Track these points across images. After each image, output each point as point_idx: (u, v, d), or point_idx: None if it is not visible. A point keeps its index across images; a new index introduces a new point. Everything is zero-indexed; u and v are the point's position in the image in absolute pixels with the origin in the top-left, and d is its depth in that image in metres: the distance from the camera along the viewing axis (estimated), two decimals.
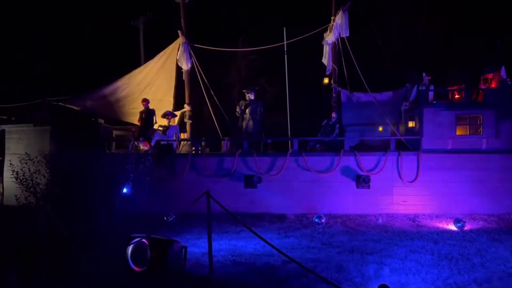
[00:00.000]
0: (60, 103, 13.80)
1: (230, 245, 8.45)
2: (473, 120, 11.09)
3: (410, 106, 12.56)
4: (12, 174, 8.48)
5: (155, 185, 10.68)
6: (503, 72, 11.71)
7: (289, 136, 13.78)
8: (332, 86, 13.45)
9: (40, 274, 5.89)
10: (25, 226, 5.74)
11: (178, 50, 14.10)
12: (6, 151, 12.82)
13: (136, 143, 12.42)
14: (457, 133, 11.08)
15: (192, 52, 14.20)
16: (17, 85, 20.26)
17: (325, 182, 11.18)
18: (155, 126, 13.01)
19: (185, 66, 14.16)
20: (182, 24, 14.08)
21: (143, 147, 12.35)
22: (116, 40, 22.23)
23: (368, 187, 10.99)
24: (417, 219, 10.47)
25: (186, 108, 14.34)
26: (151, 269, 6.53)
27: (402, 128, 12.84)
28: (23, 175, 8.38)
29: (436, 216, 10.57)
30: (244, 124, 12.96)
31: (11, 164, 9.07)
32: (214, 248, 6.03)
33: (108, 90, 13.90)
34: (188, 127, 14.35)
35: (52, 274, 6.03)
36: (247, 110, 12.89)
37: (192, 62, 14.23)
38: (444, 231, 9.36)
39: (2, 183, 12.90)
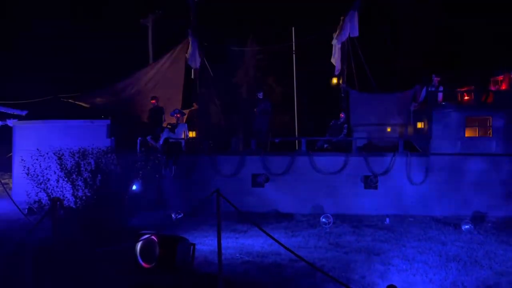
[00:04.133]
0: (69, 100, 13.94)
1: (237, 243, 8.49)
2: (483, 122, 11.03)
3: (419, 107, 12.52)
4: (23, 170, 8.58)
5: (163, 183, 10.75)
6: None
7: (297, 136, 13.80)
8: (341, 86, 13.45)
9: (54, 269, 5.96)
10: (36, 221, 5.82)
11: (187, 49, 14.16)
12: (16, 147, 12.97)
13: (145, 140, 12.48)
14: (466, 135, 11.03)
15: (201, 51, 14.26)
16: (27, 82, 20.45)
17: (332, 182, 11.18)
18: (164, 124, 13.08)
19: (194, 65, 14.22)
20: (192, 23, 14.14)
21: (151, 144, 12.43)
22: (126, 38, 22.33)
23: (376, 187, 10.99)
24: (424, 220, 10.43)
25: (195, 106, 14.40)
26: (159, 265, 6.58)
27: (410, 129, 12.81)
28: (34, 171, 8.48)
29: (444, 218, 10.53)
30: (252, 123, 13.00)
31: (22, 160, 9.17)
32: (221, 246, 6.06)
33: (117, 87, 14.02)
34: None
35: (65, 269, 6.10)
36: (255, 109, 12.91)
37: (202, 60, 14.29)
38: (452, 233, 9.31)
39: (12, 178, 13.06)
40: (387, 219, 10.38)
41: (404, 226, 10.04)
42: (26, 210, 9.94)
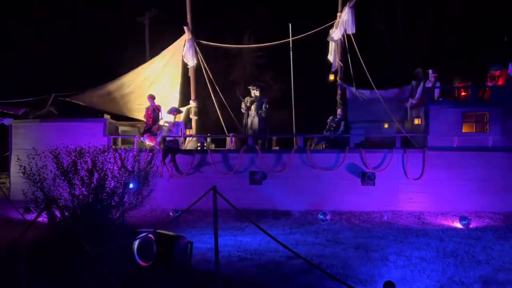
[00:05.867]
0: (66, 99, 13.89)
1: (235, 241, 8.48)
2: (480, 117, 11.03)
3: (416, 103, 12.51)
4: (20, 169, 8.54)
5: (160, 181, 10.73)
6: (510, 70, 11.63)
7: (294, 133, 13.78)
8: (338, 83, 13.43)
9: (49, 268, 5.95)
10: (33, 221, 5.78)
11: (183, 47, 14.11)
12: (13, 146, 12.92)
13: (141, 139, 12.47)
14: (463, 131, 11.02)
15: (197, 49, 14.21)
16: (23, 81, 20.37)
17: (330, 179, 11.17)
18: (161, 122, 13.05)
19: (191, 63, 14.18)
20: (188, 20, 14.08)
21: (148, 143, 12.41)
22: (122, 36, 22.28)
23: (373, 184, 10.98)
24: (422, 216, 10.45)
25: (192, 104, 14.37)
26: (157, 264, 6.57)
27: (407, 125, 12.81)
28: (31, 170, 8.44)
29: (442, 214, 10.55)
30: (249, 120, 12.98)
31: (18, 159, 9.13)
32: (219, 244, 6.04)
33: (114, 86, 13.97)
34: (193, 123, 14.39)
35: (60, 268, 6.10)
36: (252, 107, 12.89)
37: (198, 58, 14.24)
38: (449, 229, 9.34)
39: (9, 177, 13.02)
40: (385, 215, 10.39)
41: (402, 222, 10.06)
42: (23, 209, 9.91)
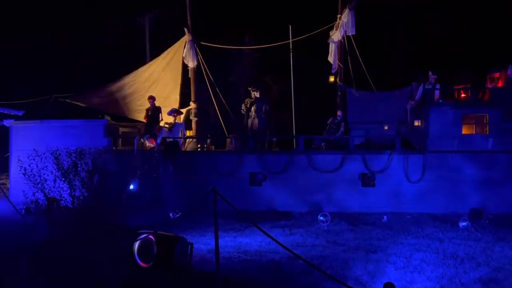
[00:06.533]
0: (66, 100, 13.91)
1: (235, 242, 8.48)
2: (480, 119, 11.05)
3: (416, 104, 12.53)
4: (20, 170, 8.56)
5: (161, 182, 10.74)
6: (510, 71, 11.66)
7: (294, 134, 13.79)
8: (338, 84, 13.45)
9: (49, 268, 5.96)
10: (33, 221, 5.82)
11: (184, 48, 14.14)
12: (14, 147, 12.93)
13: (142, 140, 12.48)
14: (463, 132, 11.05)
15: (198, 50, 14.23)
16: (24, 82, 20.40)
17: (330, 180, 11.19)
18: (161, 124, 13.06)
19: (191, 64, 14.21)
20: (189, 22, 14.12)
21: (149, 144, 12.41)
22: (122, 37, 22.28)
23: (373, 185, 11.00)
24: (422, 217, 10.45)
25: (192, 105, 14.38)
26: (157, 265, 6.58)
27: (407, 127, 12.82)
28: (31, 171, 8.46)
29: (442, 215, 10.55)
30: (249, 122, 12.98)
31: (19, 160, 9.16)
32: (219, 245, 6.05)
33: (114, 87, 13.99)
34: (193, 125, 14.40)
35: (61, 268, 6.11)
36: (252, 108, 12.90)
37: (198, 59, 14.27)
38: (449, 230, 9.33)
39: (10, 178, 13.01)
40: (385, 217, 10.39)
41: (402, 223, 10.05)
42: (24, 210, 9.91)
